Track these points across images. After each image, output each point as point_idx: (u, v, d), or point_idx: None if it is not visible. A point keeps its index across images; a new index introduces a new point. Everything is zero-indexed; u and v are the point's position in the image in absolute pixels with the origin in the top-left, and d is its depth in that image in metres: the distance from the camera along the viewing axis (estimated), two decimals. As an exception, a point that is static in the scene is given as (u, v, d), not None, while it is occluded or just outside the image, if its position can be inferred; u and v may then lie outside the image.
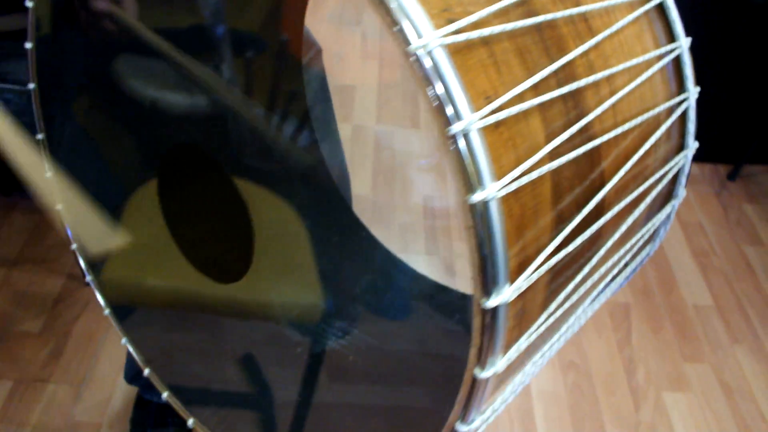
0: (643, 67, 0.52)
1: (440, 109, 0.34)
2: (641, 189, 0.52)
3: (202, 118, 0.74)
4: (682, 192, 0.59)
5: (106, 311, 0.66)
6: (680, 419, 1.34)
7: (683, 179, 0.59)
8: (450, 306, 0.69)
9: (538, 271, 0.39)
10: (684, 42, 0.55)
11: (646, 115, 0.51)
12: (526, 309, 0.41)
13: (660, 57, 0.54)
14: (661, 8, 0.55)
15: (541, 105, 0.41)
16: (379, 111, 1.92)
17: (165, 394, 0.64)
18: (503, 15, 0.41)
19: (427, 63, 0.34)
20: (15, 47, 0.66)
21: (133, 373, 1.14)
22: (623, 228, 0.50)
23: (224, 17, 0.72)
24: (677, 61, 0.56)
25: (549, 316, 0.42)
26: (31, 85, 0.61)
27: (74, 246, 0.65)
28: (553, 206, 0.41)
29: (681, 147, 0.58)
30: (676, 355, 1.45)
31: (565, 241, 0.42)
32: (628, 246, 0.54)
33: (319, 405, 0.62)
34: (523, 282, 0.37)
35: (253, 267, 0.64)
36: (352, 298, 0.80)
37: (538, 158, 0.39)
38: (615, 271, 0.53)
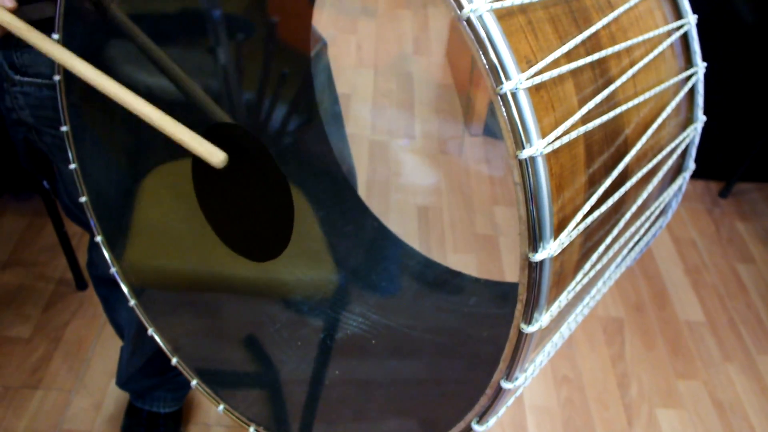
0: (656, 41, 0.54)
1: (492, 69, 0.35)
2: (657, 159, 0.54)
3: (197, 103, 0.74)
4: (691, 164, 0.62)
5: (132, 302, 0.66)
6: (673, 437, 1.36)
7: (693, 151, 0.61)
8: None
9: (577, 229, 0.41)
10: (692, 18, 0.57)
11: (660, 87, 0.53)
12: (563, 268, 0.43)
13: (669, 33, 0.56)
14: (669, -13, 0.58)
15: (573, 71, 0.42)
16: (374, 120, 1.94)
17: (194, 382, 0.64)
18: (535, -15, 0.42)
19: (479, 26, 0.35)
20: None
21: (125, 378, 1.13)
22: (644, 195, 0.52)
23: (216, 1, 0.72)
24: (685, 39, 0.58)
25: (584, 276, 0.44)
26: (57, 77, 0.61)
27: (99, 238, 0.65)
28: (587, 168, 0.43)
29: (690, 120, 0.61)
30: (669, 371, 1.47)
31: (597, 202, 0.44)
32: (647, 214, 0.56)
33: (353, 378, 0.63)
34: (566, 238, 0.39)
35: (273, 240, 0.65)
36: (362, 277, 0.81)
37: (573, 121, 0.40)
38: (636, 239, 0.55)
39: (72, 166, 0.64)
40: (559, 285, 0.43)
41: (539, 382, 1.42)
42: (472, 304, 0.76)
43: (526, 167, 0.36)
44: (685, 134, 0.59)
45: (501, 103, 0.36)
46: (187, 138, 0.51)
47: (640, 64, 0.50)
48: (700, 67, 0.58)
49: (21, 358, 1.32)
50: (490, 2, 0.37)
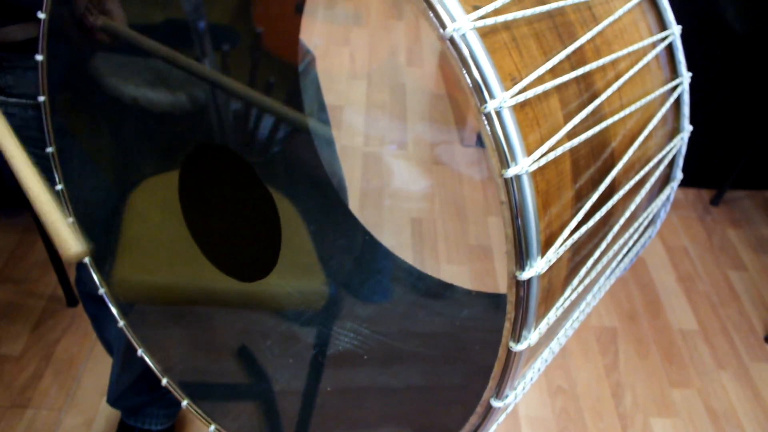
0: (641, 53, 0.54)
1: (476, 88, 0.35)
2: (644, 170, 0.54)
3: (184, 114, 0.74)
4: (679, 174, 0.62)
5: (121, 323, 0.65)
6: (668, 445, 1.35)
7: (680, 161, 0.61)
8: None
9: (564, 245, 0.41)
10: (676, 29, 0.57)
11: (646, 99, 0.54)
12: (552, 284, 0.43)
13: (654, 44, 0.56)
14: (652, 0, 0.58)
15: (558, 86, 0.42)
16: (367, 131, 1.93)
17: (185, 403, 0.64)
18: (519, 2, 0.43)
19: (462, 45, 0.35)
20: (18, 59, 0.65)
21: (116, 396, 1.12)
22: (632, 207, 0.52)
23: (202, 11, 0.72)
24: (669, 49, 0.59)
25: (573, 291, 0.44)
26: (42, 98, 0.60)
27: (87, 259, 0.64)
28: (573, 183, 0.43)
29: (677, 130, 0.61)
30: (663, 380, 1.47)
31: (584, 217, 0.44)
32: (635, 225, 0.56)
33: (346, 391, 0.63)
34: (553, 255, 0.39)
35: (261, 260, 0.64)
36: (353, 291, 0.81)
37: (559, 137, 0.40)
38: (624, 251, 0.55)
39: (58, 187, 0.63)
40: (548, 301, 0.43)
41: (534, 392, 1.42)
42: (465, 316, 0.76)
43: (511, 186, 0.36)
44: (672, 144, 0.59)
45: (486, 122, 0.35)
46: (55, 219, 0.50)
47: (626, 76, 0.50)
48: (685, 77, 0.58)
49: (11, 377, 1.30)
50: (473, 20, 0.37)
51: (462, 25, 0.36)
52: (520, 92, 0.38)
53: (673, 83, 0.57)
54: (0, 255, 1.55)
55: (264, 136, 0.82)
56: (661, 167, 0.58)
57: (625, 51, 0.51)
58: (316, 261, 0.83)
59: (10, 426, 1.23)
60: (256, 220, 0.55)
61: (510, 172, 0.36)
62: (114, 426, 1.23)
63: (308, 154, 0.89)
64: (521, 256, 0.37)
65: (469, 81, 0.35)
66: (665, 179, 0.62)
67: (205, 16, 0.73)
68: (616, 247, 0.51)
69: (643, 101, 0.53)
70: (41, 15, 0.56)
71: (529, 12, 0.42)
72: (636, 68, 0.52)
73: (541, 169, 0.39)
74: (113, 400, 1.13)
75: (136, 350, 0.67)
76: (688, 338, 1.57)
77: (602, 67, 0.48)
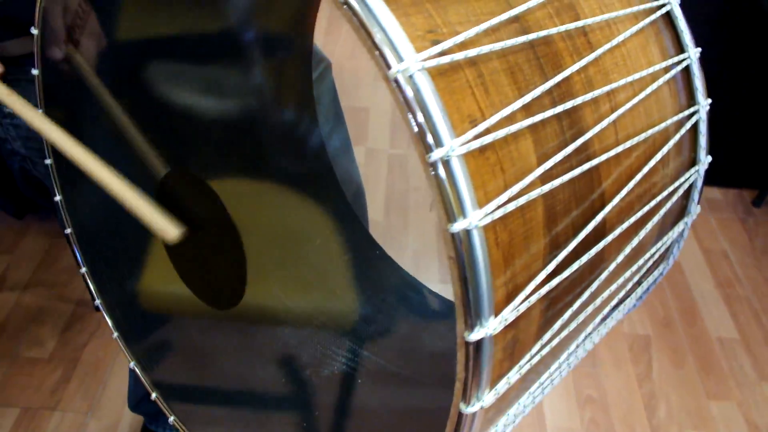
0: (649, 80, 0.50)
1: (420, 135, 0.32)
2: (648, 207, 0.50)
3: (232, 122, 0.73)
4: (695, 209, 0.57)
5: (115, 334, 0.66)
6: (704, 461, 1.29)
7: (696, 195, 0.56)
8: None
9: (529, 300, 0.37)
10: (692, 52, 0.53)
11: (652, 131, 0.49)
12: (519, 339, 0.40)
13: (667, 69, 0.51)
14: (669, 18, 0.53)
15: (533, 126, 0.39)
16: (393, 134, 1.90)
17: (171, 419, 0.64)
18: (493, 33, 0.39)
19: (408, 88, 0.33)
20: (20, 72, 0.65)
21: (136, 401, 1.14)
22: (627, 250, 0.48)
23: (253, 19, 0.71)
24: (687, 73, 0.54)
25: (543, 347, 0.40)
26: (40, 110, 0.61)
27: (83, 270, 0.65)
28: (547, 231, 0.40)
29: (693, 162, 0.56)
30: (699, 391, 1.40)
31: (560, 266, 0.40)
32: (635, 267, 0.51)
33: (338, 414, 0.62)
34: (510, 313, 0.36)
35: (287, 273, 0.63)
36: (357, 310, 0.79)
37: (527, 182, 0.37)
38: (622, 293, 0.51)
39: (57, 198, 0.64)
40: (514, 357, 0.40)
41: (562, 401, 1.37)
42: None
43: (458, 241, 0.33)
44: (684, 177, 0.54)
45: (431, 172, 0.33)
46: (145, 211, 0.49)
47: (623, 108, 0.46)
48: (702, 105, 0.53)
49: (40, 379, 1.33)
50: (425, 59, 0.34)
51: (410, 65, 0.33)
52: (477, 136, 0.35)
53: (688, 111, 0.53)
54: (31, 260, 1.59)
55: (315, 147, 0.81)
56: (673, 200, 0.54)
57: (626, 80, 0.47)
58: (318, 277, 0.82)
59: (39, 427, 1.25)
60: (220, 248, 0.54)
61: (457, 227, 0.33)
62: (137, 431, 1.25)
63: (321, 167, 0.88)
64: (469, 316, 0.34)
65: (414, 126, 0.33)
66: (680, 213, 0.57)
67: (260, 24, 0.72)
68: (606, 294, 0.47)
69: (646, 134, 0.48)
70: (34, 31, 0.56)
71: (503, 44, 0.38)
72: (638, 98, 0.47)
73: (502, 219, 0.36)
74: (133, 406, 1.15)
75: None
76: (727, 347, 1.48)
77: (594, 100, 0.44)
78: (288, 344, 0.76)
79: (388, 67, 0.33)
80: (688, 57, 0.53)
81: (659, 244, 0.55)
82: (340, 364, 0.72)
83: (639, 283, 0.57)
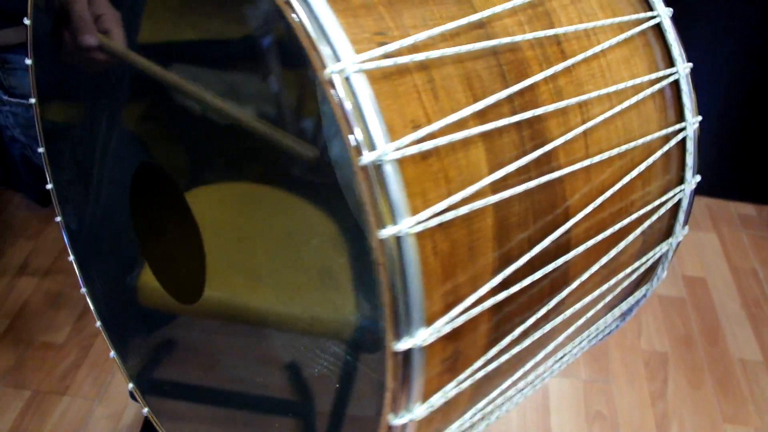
0: (630, 93, 0.48)
1: (354, 138, 0.32)
2: (621, 225, 0.48)
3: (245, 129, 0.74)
4: (680, 231, 0.54)
5: (98, 323, 0.67)
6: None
7: (682, 216, 0.54)
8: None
9: (469, 313, 0.36)
10: (681, 67, 0.51)
11: (629, 145, 0.47)
12: (462, 353, 0.38)
13: (653, 82, 0.50)
14: (660, 31, 0.51)
15: (487, 134, 0.38)
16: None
17: (145, 410, 0.64)
18: (451, 38, 0.38)
19: (342, 89, 0.32)
20: (18, 61, 0.67)
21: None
22: (594, 268, 0.46)
23: (272, 27, 0.72)
24: (677, 89, 0.52)
25: (488, 363, 0.39)
26: (32, 100, 0.62)
27: (71, 258, 0.66)
28: (498, 243, 0.38)
29: (681, 181, 0.54)
30: (715, 413, 1.34)
31: (510, 280, 0.39)
32: (606, 286, 0.50)
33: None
34: (445, 326, 0.35)
35: (285, 278, 0.64)
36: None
37: (472, 191, 0.36)
38: (591, 312, 0.49)
39: (48, 186, 0.65)
40: (455, 370, 0.38)
41: (570, 417, 1.33)
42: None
43: (387, 248, 0.32)
44: (667, 196, 0.52)
45: (362, 176, 0.32)
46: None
47: (595, 120, 0.45)
48: (690, 122, 0.51)
49: (53, 364, 1.36)
50: (366, 60, 0.33)
51: (346, 65, 0.32)
52: (416, 142, 0.34)
53: (673, 128, 0.51)
54: (52, 248, 1.62)
55: (334, 155, 0.81)
56: (652, 220, 0.52)
57: (601, 92, 0.45)
58: (308, 279, 0.81)
59: (48, 410, 1.28)
60: (182, 243, 0.54)
61: (386, 233, 0.32)
62: (141, 419, 1.27)
63: (326, 179, 0.87)
64: (397, 326, 0.33)
65: (346, 128, 0.32)
66: (665, 233, 0.55)
67: (282, 31, 0.72)
68: (569, 312, 0.46)
69: (623, 147, 0.47)
70: (27, 21, 0.57)
71: (457, 49, 0.37)
72: (613, 111, 0.46)
73: (442, 227, 0.35)
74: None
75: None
76: (749, 370, 1.42)
77: (563, 111, 0.43)
78: (278, 347, 0.76)
79: (323, 66, 0.32)
80: (677, 72, 0.51)
81: (637, 264, 0.53)
82: (334, 368, 0.72)
83: (615, 303, 0.55)
